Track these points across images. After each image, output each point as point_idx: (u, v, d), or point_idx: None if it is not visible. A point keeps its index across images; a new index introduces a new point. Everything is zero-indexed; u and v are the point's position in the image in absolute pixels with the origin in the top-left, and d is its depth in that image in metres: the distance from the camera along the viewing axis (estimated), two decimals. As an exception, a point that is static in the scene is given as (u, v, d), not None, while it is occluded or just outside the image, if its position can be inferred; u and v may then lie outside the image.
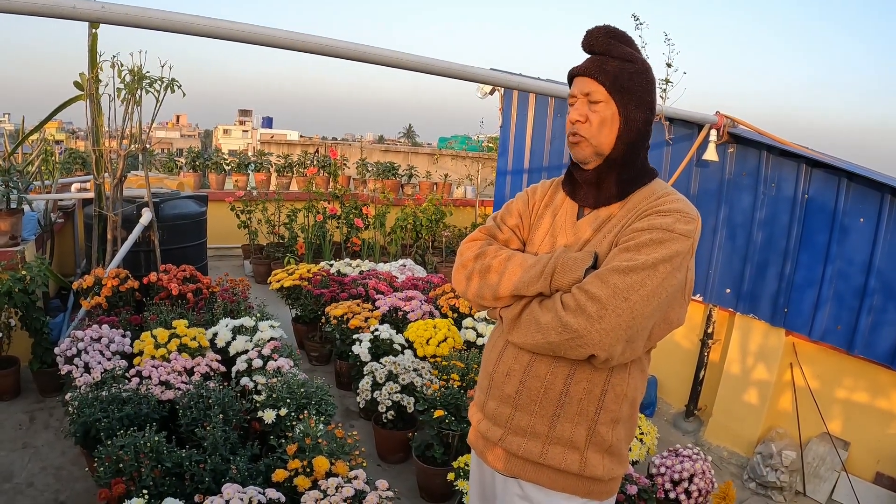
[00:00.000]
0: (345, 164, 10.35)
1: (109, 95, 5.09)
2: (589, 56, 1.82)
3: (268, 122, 66.69)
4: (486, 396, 1.92)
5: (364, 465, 3.15)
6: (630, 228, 1.72)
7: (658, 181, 1.88)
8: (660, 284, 1.62)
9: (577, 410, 1.75)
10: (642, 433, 3.94)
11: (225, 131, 72.99)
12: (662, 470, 3.54)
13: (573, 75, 1.84)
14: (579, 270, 1.70)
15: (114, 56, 4.94)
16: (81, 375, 3.81)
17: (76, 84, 5.02)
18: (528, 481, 1.82)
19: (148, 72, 4.99)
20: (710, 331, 5.12)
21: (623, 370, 1.77)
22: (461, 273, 1.95)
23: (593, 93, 1.77)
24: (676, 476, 3.48)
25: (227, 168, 9.78)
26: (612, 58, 1.78)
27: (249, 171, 9.78)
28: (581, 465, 1.76)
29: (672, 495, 3.44)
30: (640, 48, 1.88)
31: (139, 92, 5.02)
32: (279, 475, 2.94)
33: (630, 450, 3.77)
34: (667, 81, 5.47)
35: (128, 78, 4.95)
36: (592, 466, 1.76)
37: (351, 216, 8.83)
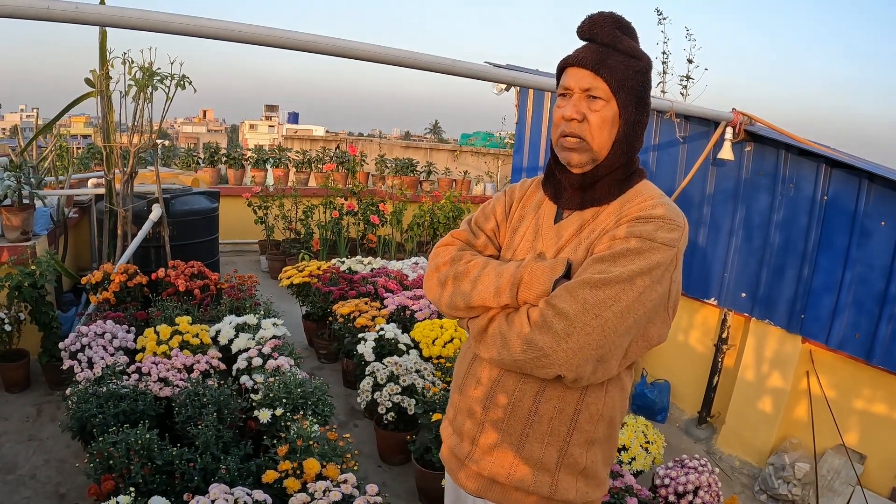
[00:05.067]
0: (363, 161, 10.32)
1: (121, 92, 5.12)
2: (586, 45, 1.67)
3: (294, 118, 67.23)
4: (456, 411, 1.82)
5: (355, 468, 3.11)
6: (608, 236, 1.60)
7: (645, 182, 1.73)
8: (636, 299, 1.50)
9: (548, 430, 1.63)
10: (648, 442, 3.84)
11: (251, 126, 73.66)
12: (667, 481, 3.42)
13: (568, 64, 1.67)
14: (547, 282, 1.57)
15: (125, 53, 4.97)
16: (83, 370, 3.82)
17: (87, 81, 5.04)
18: (495, 502, 1.71)
19: (159, 68, 5.00)
20: (724, 336, 4.99)
21: (599, 389, 1.65)
22: (433, 278, 1.82)
23: (594, 89, 1.61)
24: (681, 488, 3.35)
25: (245, 163, 9.81)
26: (617, 51, 1.63)
27: (267, 167, 9.79)
28: (551, 488, 1.64)
29: (675, 508, 3.34)
30: (640, 40, 1.74)
31: (149, 88, 5.03)
32: (269, 476, 2.92)
33: (634, 459, 3.70)
34: (688, 77, 5.37)
35: (138, 74, 4.96)
36: (564, 490, 1.64)
37: (367, 213, 8.81)
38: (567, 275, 1.61)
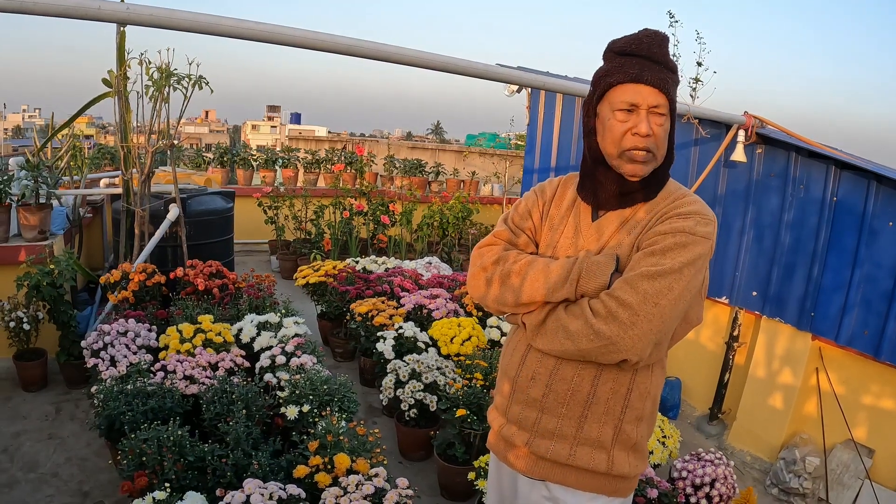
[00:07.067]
0: (372, 161, 10.36)
1: (138, 92, 5.15)
2: (642, 61, 1.72)
3: (296, 118, 67.22)
4: (510, 401, 1.91)
5: (385, 462, 3.16)
6: (652, 231, 1.72)
7: (671, 180, 1.86)
8: (685, 287, 1.64)
9: (604, 410, 1.76)
10: (665, 436, 3.91)
11: (253, 127, 73.53)
12: (684, 474, 3.50)
13: (630, 81, 1.72)
14: (605, 275, 1.70)
15: (142, 53, 5.01)
16: (107, 369, 3.86)
17: (105, 81, 5.07)
18: (556, 483, 1.83)
19: (176, 69, 5.04)
20: (735, 333, 5.06)
21: (647, 369, 1.79)
22: (480, 277, 1.92)
23: (661, 106, 1.71)
24: (698, 481, 3.44)
25: (254, 164, 9.85)
26: (668, 69, 1.74)
27: (277, 168, 9.82)
28: (609, 464, 1.77)
29: (693, 500, 3.41)
30: None
31: (167, 89, 5.07)
32: (300, 471, 2.96)
33: (652, 453, 3.77)
34: (697, 80, 5.43)
35: (156, 75, 5.00)
36: (619, 465, 1.78)
37: (377, 213, 8.86)
38: (616, 268, 1.73)
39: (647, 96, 1.70)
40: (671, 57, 1.77)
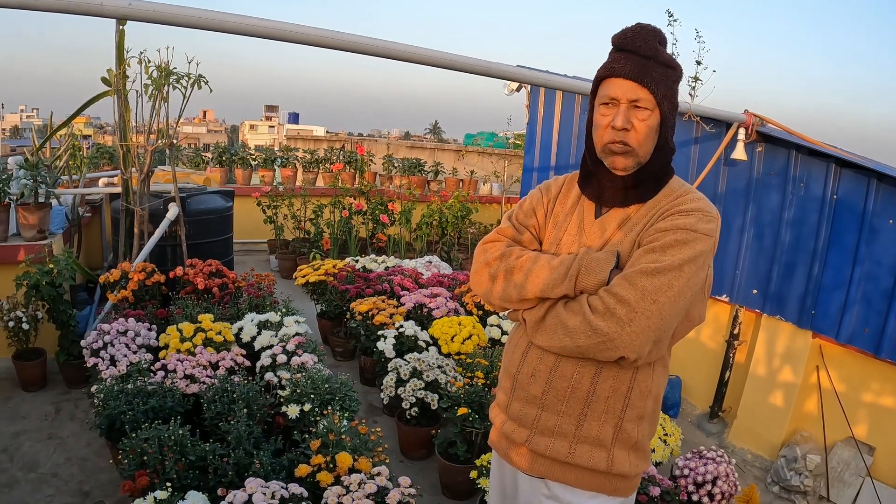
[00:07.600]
0: (371, 160, 10.35)
1: (137, 91, 5.12)
2: (627, 55, 1.74)
3: (294, 118, 67.24)
4: (510, 398, 1.91)
5: (387, 461, 3.16)
6: (654, 228, 1.71)
7: (675, 178, 1.86)
8: (686, 284, 1.62)
9: (604, 409, 1.75)
10: (666, 434, 3.91)
11: (251, 127, 73.51)
12: (686, 472, 3.51)
13: (613, 75, 1.75)
14: (604, 272, 1.69)
15: (141, 52, 4.99)
16: (107, 368, 3.84)
17: (104, 80, 5.05)
18: (556, 481, 1.81)
19: (175, 68, 5.02)
20: (735, 332, 5.07)
21: (648, 367, 1.77)
22: (484, 273, 1.92)
23: (642, 100, 1.71)
24: (700, 478, 3.44)
25: (253, 163, 9.83)
26: (658, 63, 1.73)
27: (276, 167, 9.81)
28: (608, 463, 1.76)
29: (695, 498, 3.41)
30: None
31: (166, 88, 5.05)
32: (302, 470, 2.95)
33: (653, 451, 3.77)
34: (696, 79, 5.42)
35: (155, 74, 4.99)
36: (619, 463, 1.77)
37: (377, 212, 8.85)
38: (617, 265, 1.73)
39: (626, 90, 1.71)
40: (663, 51, 1.76)
